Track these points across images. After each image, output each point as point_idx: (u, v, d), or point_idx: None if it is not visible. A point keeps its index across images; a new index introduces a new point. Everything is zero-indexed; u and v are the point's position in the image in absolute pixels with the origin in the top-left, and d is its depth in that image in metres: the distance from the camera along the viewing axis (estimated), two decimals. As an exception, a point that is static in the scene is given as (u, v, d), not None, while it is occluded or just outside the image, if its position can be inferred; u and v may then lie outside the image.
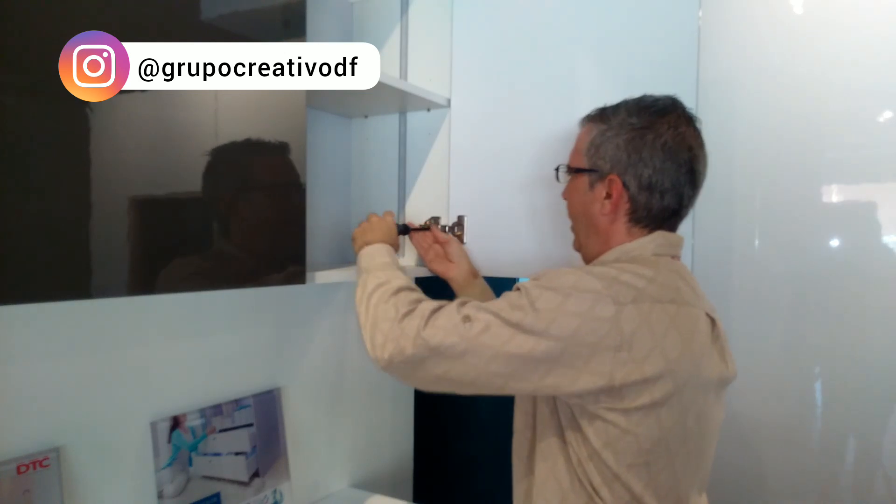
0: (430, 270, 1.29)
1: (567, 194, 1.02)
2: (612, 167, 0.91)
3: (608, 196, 0.91)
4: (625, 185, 0.90)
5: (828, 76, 1.28)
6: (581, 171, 0.95)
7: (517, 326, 0.79)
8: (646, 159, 0.88)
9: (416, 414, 1.74)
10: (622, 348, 0.77)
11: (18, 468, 0.87)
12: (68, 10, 0.67)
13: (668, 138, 0.88)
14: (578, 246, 1.01)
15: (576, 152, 0.98)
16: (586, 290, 0.79)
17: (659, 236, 0.91)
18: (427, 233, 1.29)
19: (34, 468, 0.88)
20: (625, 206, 0.91)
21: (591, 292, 0.79)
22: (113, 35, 0.71)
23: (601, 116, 0.94)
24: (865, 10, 1.25)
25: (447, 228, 1.32)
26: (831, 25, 1.28)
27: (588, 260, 0.98)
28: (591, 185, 0.93)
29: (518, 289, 0.85)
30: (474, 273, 1.25)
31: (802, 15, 1.31)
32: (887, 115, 1.24)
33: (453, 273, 1.24)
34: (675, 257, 0.93)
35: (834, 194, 1.30)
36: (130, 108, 0.73)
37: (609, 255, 0.92)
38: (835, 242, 1.30)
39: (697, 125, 0.92)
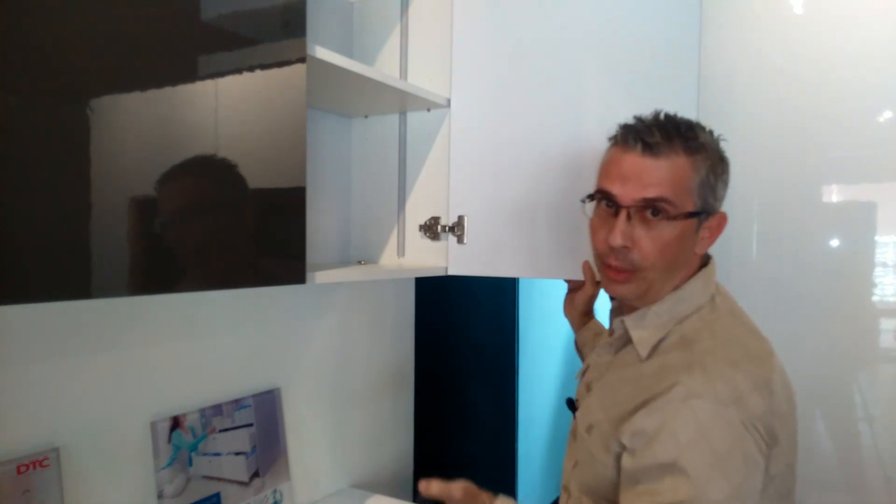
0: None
1: (661, 246, 0.84)
2: (719, 203, 0.87)
3: (708, 234, 0.87)
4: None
5: (828, 76, 1.28)
6: (695, 214, 0.84)
7: None
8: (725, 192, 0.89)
9: (416, 414, 1.74)
10: (772, 446, 0.76)
11: (18, 468, 0.86)
12: (67, 10, 0.67)
13: None
14: (643, 292, 0.87)
15: (682, 191, 0.83)
16: (730, 444, 0.73)
17: (708, 273, 0.89)
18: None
19: (34, 468, 0.88)
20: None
21: (733, 440, 0.73)
22: (112, 35, 0.71)
23: (689, 146, 0.83)
24: (866, 10, 1.25)
25: (447, 228, 1.32)
26: (832, 25, 1.28)
27: (648, 299, 0.88)
28: (699, 227, 0.86)
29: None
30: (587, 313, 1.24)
31: (803, 14, 1.31)
32: (887, 114, 1.24)
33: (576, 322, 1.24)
34: None
35: (834, 194, 1.30)
36: (130, 108, 0.73)
37: (662, 308, 0.86)
38: (835, 242, 1.30)
39: None
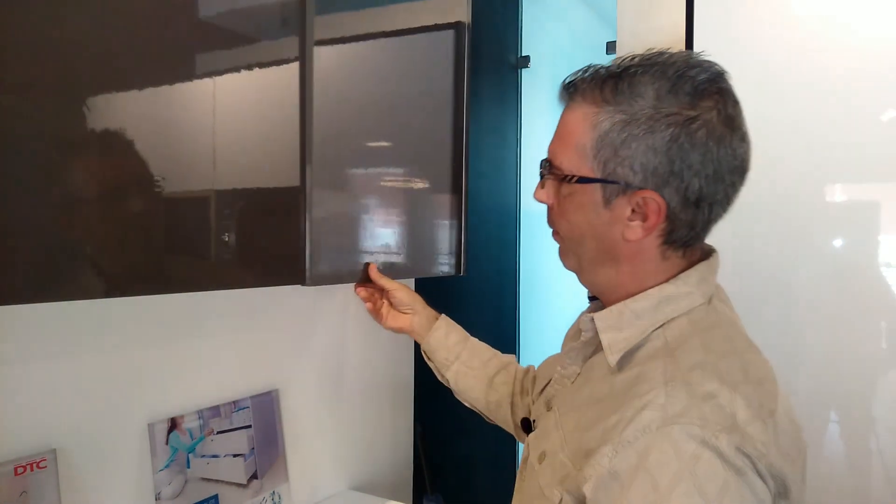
0: (387, 329, 1.12)
1: (558, 208, 0.72)
2: (646, 179, 0.63)
3: (639, 218, 0.65)
4: (665, 202, 0.64)
5: (829, 74, 1.28)
6: (589, 181, 0.66)
7: None
8: (695, 166, 0.62)
9: (415, 415, 1.73)
10: (781, 496, 0.59)
11: (15, 470, 0.86)
12: (66, 9, 0.67)
13: (721, 129, 0.63)
14: (576, 268, 0.74)
15: (570, 148, 0.67)
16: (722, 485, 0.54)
17: (704, 272, 0.69)
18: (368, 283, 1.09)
19: (31, 469, 0.88)
20: (660, 227, 0.66)
21: (730, 483, 0.55)
22: (111, 33, 0.70)
23: (610, 93, 0.64)
24: (867, 9, 1.25)
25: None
26: (832, 24, 1.28)
27: (596, 289, 0.74)
28: (608, 201, 0.66)
29: None
30: (434, 315, 1.10)
31: (803, 14, 1.31)
32: (891, 113, 1.24)
33: (409, 325, 1.09)
34: None
35: (837, 194, 1.29)
36: (129, 107, 0.73)
37: (643, 305, 0.67)
38: (838, 243, 1.29)
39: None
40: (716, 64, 0.67)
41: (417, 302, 1.10)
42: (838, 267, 1.28)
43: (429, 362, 1.12)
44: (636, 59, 0.66)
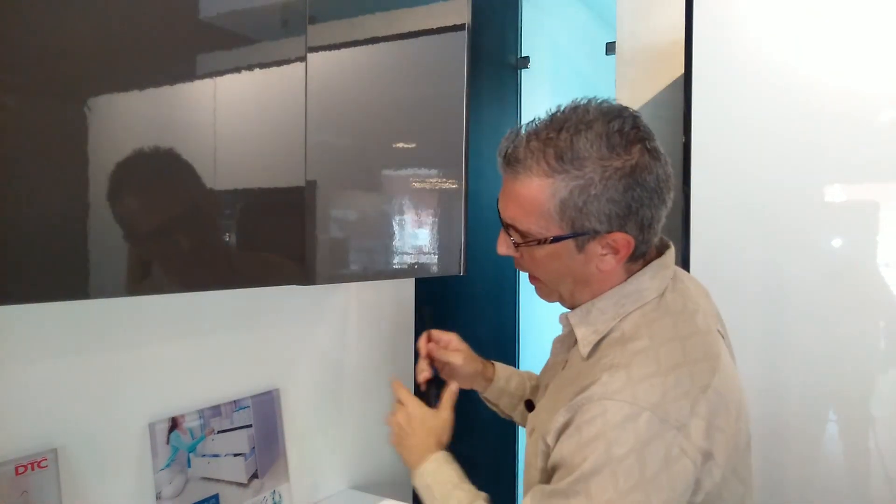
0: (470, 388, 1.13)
1: (532, 262, 0.81)
2: (611, 223, 0.74)
3: (611, 252, 0.76)
4: (630, 236, 0.75)
5: (828, 74, 1.28)
6: (562, 238, 0.76)
7: None
8: (645, 201, 0.73)
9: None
10: (704, 459, 0.70)
11: (16, 469, 0.86)
12: (67, 10, 0.67)
13: (653, 166, 0.74)
14: (559, 300, 0.86)
15: (534, 215, 0.76)
16: (642, 442, 0.67)
17: (656, 268, 0.80)
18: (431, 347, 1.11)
19: (32, 469, 0.88)
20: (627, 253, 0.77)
21: (650, 439, 0.67)
22: (111, 34, 0.70)
23: (555, 162, 0.73)
24: (867, 8, 1.25)
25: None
26: (831, 24, 1.28)
27: (573, 305, 0.84)
28: (581, 248, 0.76)
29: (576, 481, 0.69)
30: (489, 367, 1.13)
31: (802, 13, 1.31)
32: (890, 113, 1.24)
33: (472, 386, 1.12)
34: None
35: (835, 194, 1.29)
36: (129, 107, 0.73)
37: (606, 303, 0.79)
38: (837, 243, 1.30)
39: None
40: (624, 107, 0.76)
41: (475, 366, 1.11)
42: (837, 266, 1.29)
43: (492, 406, 1.16)
44: (557, 122, 0.74)
